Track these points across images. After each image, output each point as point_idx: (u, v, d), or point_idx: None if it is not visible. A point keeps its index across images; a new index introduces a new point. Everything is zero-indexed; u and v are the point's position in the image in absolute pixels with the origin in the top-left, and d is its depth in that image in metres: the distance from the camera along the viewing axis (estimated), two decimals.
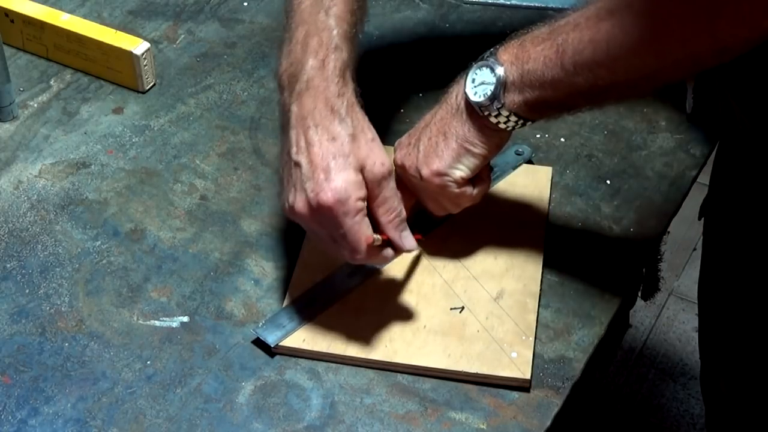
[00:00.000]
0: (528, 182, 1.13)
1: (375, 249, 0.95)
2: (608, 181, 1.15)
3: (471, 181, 1.00)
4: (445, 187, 0.99)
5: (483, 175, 1.01)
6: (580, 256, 1.07)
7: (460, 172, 0.98)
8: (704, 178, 1.17)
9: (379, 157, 0.94)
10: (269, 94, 1.24)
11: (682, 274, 2.19)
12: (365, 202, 0.93)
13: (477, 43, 1.29)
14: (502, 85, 0.93)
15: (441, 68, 1.27)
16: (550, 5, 1.34)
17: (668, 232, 1.17)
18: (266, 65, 1.28)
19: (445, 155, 0.97)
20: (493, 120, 0.95)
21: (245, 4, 1.37)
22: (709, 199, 1.14)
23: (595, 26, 0.87)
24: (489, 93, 0.94)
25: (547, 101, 0.92)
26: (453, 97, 0.98)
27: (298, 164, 0.93)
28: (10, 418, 0.94)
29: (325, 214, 0.92)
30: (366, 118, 0.97)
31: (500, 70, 0.93)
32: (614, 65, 0.87)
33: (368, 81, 1.26)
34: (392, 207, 0.96)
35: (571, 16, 0.89)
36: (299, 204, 0.93)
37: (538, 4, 1.35)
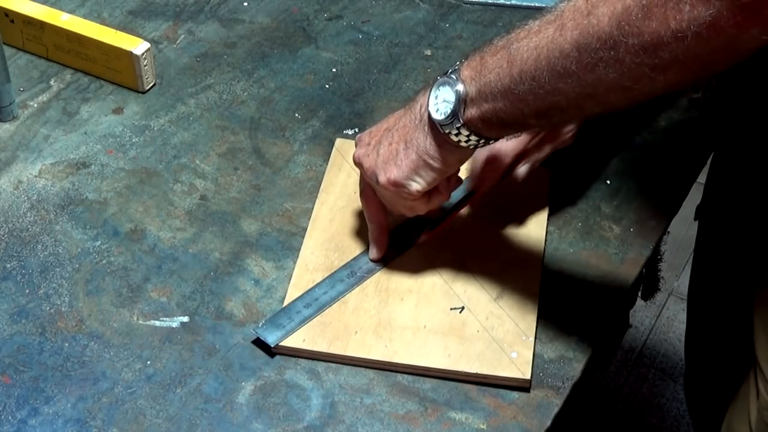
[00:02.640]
0: (528, 182, 1.13)
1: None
2: (608, 181, 1.15)
3: (428, 192, 0.99)
4: (400, 196, 0.99)
5: (441, 188, 1.00)
6: (580, 256, 1.07)
7: (417, 185, 0.97)
8: (704, 178, 1.17)
9: None
10: (269, 94, 1.24)
11: (682, 274, 2.19)
12: None
13: (477, 43, 1.30)
14: (462, 103, 0.92)
15: (441, 68, 1.27)
16: (550, 5, 1.34)
17: (668, 232, 1.17)
18: (266, 65, 1.28)
19: (403, 165, 0.97)
20: (454, 138, 0.94)
21: (245, 4, 1.37)
22: (704, 203, 1.14)
23: (543, 32, 0.85)
24: (449, 111, 0.92)
25: (499, 115, 0.90)
26: (418, 108, 0.97)
27: None
28: (10, 418, 0.94)
29: None
30: None
31: (460, 87, 0.92)
32: (552, 73, 0.85)
33: (367, 80, 1.27)
34: None
35: (531, 23, 0.88)
36: None
37: (538, 4, 1.35)
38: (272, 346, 0.98)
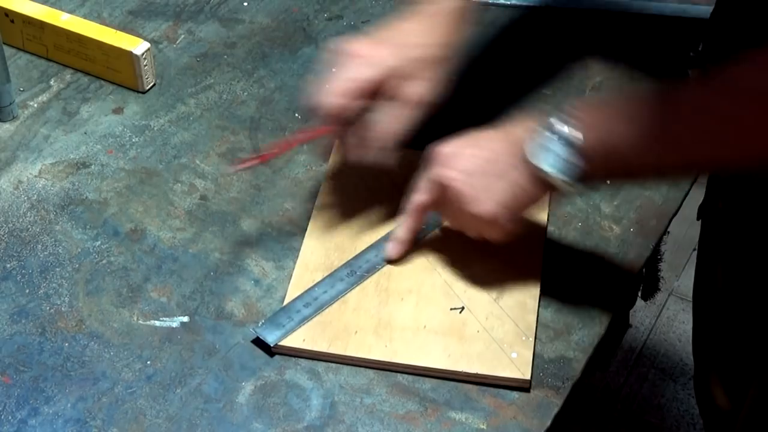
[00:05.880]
0: None
1: None
2: (608, 181, 1.14)
3: None
4: (483, 224, 0.98)
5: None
6: (580, 256, 1.07)
7: (508, 218, 0.97)
8: (704, 178, 1.17)
9: None
10: (269, 94, 1.24)
11: (682, 274, 2.19)
12: None
13: (477, 43, 1.30)
14: (578, 162, 0.89)
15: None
16: (549, 5, 1.34)
17: (668, 232, 1.17)
18: (266, 65, 1.28)
19: (497, 200, 0.95)
20: (559, 184, 0.92)
21: (245, 4, 1.37)
22: (706, 202, 1.14)
23: (701, 123, 0.82)
24: (562, 168, 0.90)
25: (624, 178, 0.89)
26: (516, 141, 0.94)
27: None
28: (10, 418, 0.94)
29: None
30: None
31: (578, 144, 0.88)
32: (727, 156, 0.83)
33: None
34: None
35: (672, 95, 0.84)
36: None
37: (538, 4, 1.35)
38: (272, 345, 0.98)
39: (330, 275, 1.03)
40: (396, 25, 1.03)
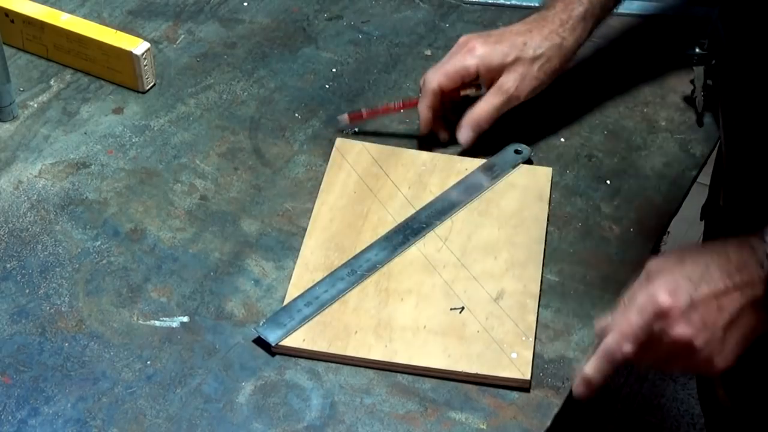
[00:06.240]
0: (528, 182, 1.13)
1: None
2: (608, 181, 1.15)
3: None
4: (704, 371, 0.90)
5: None
6: (580, 256, 1.07)
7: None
8: (704, 178, 1.17)
9: None
10: (269, 94, 1.24)
11: None
12: None
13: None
14: None
15: None
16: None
17: (668, 232, 1.17)
18: (266, 65, 1.28)
19: (733, 352, 0.86)
20: None
21: (245, 4, 1.37)
22: (710, 202, 1.14)
23: None
24: None
25: None
26: (755, 287, 0.85)
27: None
28: (10, 418, 0.94)
29: None
30: None
31: None
32: None
33: (367, 80, 1.27)
34: None
35: None
36: None
37: (537, 4, 1.35)
38: (273, 344, 0.98)
39: (330, 275, 1.03)
40: (512, 26, 1.16)
